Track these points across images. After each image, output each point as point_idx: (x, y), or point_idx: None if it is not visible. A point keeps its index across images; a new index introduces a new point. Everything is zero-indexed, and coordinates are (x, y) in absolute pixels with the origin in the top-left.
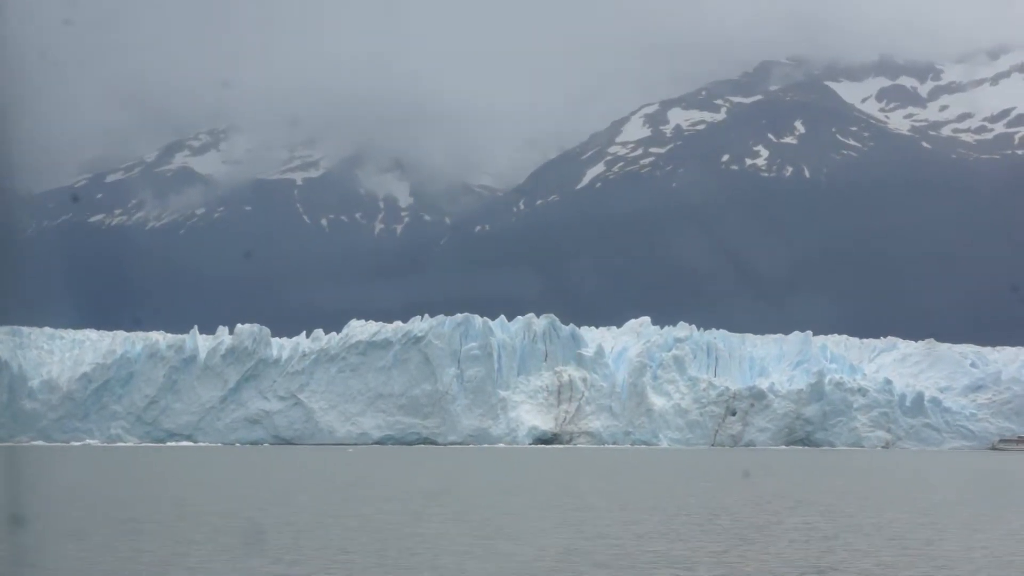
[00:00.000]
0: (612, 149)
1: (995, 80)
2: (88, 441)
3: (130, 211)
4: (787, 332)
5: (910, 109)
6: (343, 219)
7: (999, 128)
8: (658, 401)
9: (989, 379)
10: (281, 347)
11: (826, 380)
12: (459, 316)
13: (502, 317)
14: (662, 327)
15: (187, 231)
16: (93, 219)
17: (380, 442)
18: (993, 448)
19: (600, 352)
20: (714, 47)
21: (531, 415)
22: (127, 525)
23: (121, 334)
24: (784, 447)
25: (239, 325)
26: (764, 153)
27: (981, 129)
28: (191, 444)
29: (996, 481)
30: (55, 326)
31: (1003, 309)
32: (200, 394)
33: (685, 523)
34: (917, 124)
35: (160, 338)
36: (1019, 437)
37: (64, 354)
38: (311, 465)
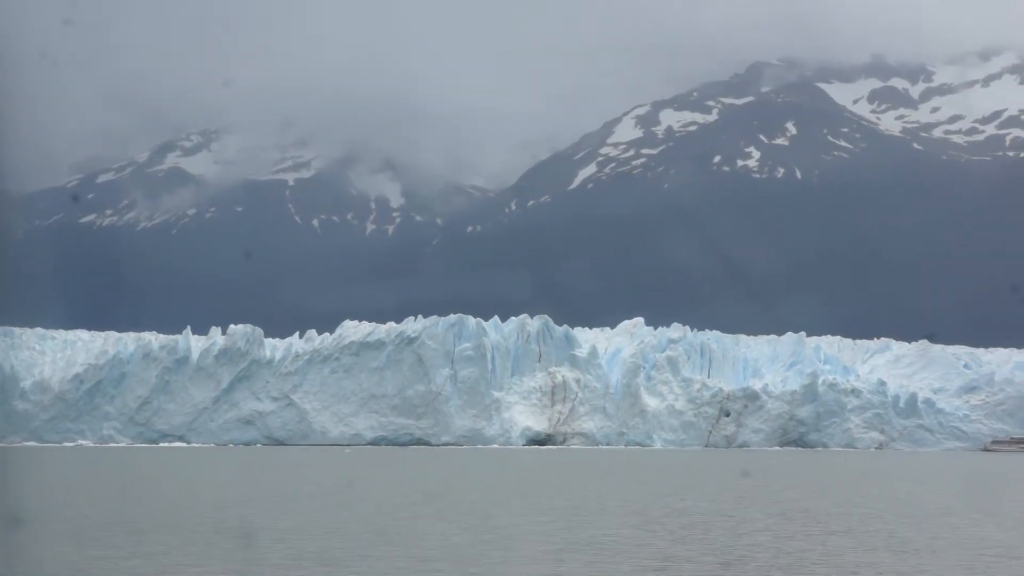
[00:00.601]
0: (604, 150)
1: (986, 82)
2: (80, 442)
3: (121, 211)
4: (780, 333)
5: (901, 110)
6: (335, 219)
7: (990, 130)
8: (652, 402)
9: (982, 380)
10: (274, 348)
11: (819, 381)
12: (452, 317)
13: (495, 318)
14: (656, 328)
15: (179, 231)
16: (85, 219)
17: (373, 443)
18: (986, 449)
19: (594, 353)
20: (706, 48)
21: (525, 416)
22: (122, 526)
23: (113, 335)
24: (778, 448)
25: (232, 326)
26: (756, 154)
27: (972, 131)
28: (184, 445)
29: (987, 483)
30: (47, 327)
31: (996, 310)
32: (193, 395)
33: (679, 525)
34: (908, 126)
35: (152, 339)
36: (1012, 438)
37: (56, 355)
38: (307, 466)
